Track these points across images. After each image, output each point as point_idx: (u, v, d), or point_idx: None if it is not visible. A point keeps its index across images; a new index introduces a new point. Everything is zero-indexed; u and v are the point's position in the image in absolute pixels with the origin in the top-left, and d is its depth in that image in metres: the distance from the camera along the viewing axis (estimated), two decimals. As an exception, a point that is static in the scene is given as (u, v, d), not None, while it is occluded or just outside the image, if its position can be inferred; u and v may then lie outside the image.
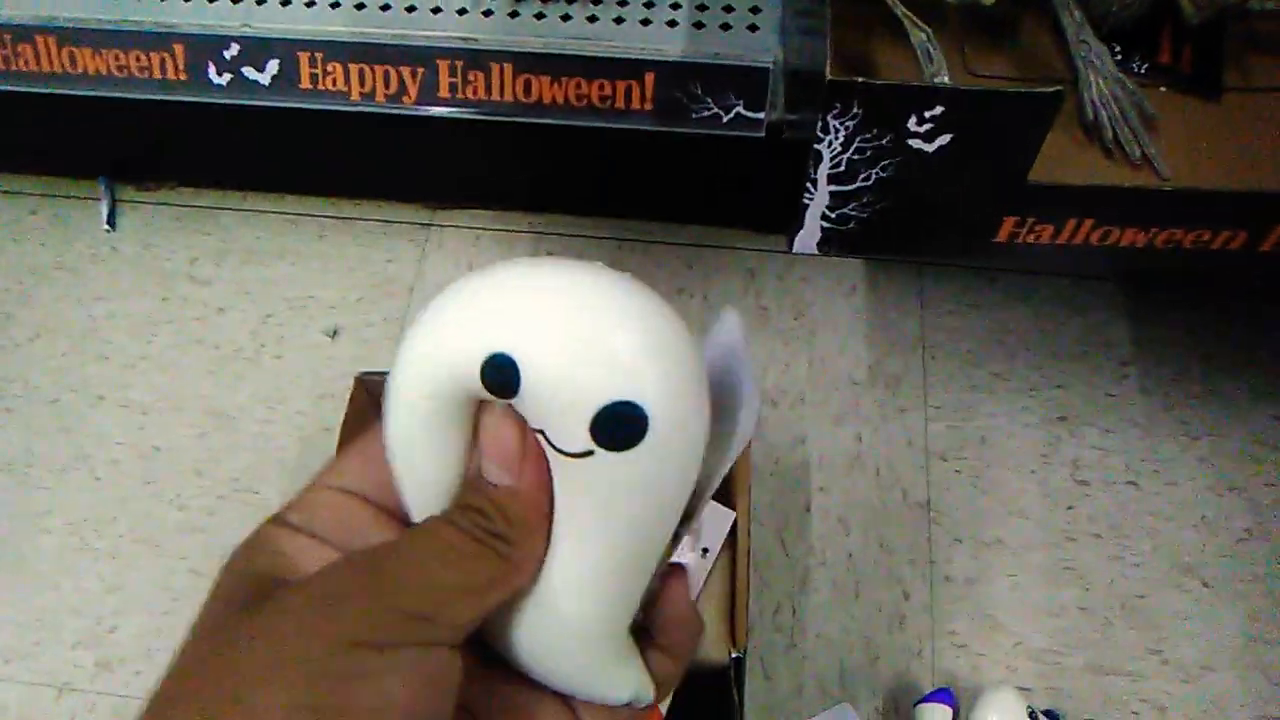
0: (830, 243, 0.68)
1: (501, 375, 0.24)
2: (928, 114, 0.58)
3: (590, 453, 0.24)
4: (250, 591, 0.26)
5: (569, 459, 0.25)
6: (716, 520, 0.81)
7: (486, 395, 0.25)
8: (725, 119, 0.87)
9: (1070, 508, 0.96)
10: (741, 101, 0.87)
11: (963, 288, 1.07)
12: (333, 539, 0.28)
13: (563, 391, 0.24)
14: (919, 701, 0.84)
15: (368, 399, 0.82)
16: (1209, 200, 0.65)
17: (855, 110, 0.59)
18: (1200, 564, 0.93)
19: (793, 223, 0.69)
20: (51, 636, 0.95)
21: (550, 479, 0.26)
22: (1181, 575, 0.92)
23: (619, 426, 0.24)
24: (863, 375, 1.03)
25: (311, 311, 1.12)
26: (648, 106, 0.89)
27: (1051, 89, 0.58)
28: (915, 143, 0.60)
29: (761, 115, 0.87)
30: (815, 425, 1.01)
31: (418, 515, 0.28)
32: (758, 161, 0.95)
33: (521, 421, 0.26)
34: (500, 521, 0.26)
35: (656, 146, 0.98)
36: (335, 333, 1.10)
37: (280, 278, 1.14)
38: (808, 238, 0.68)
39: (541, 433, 0.25)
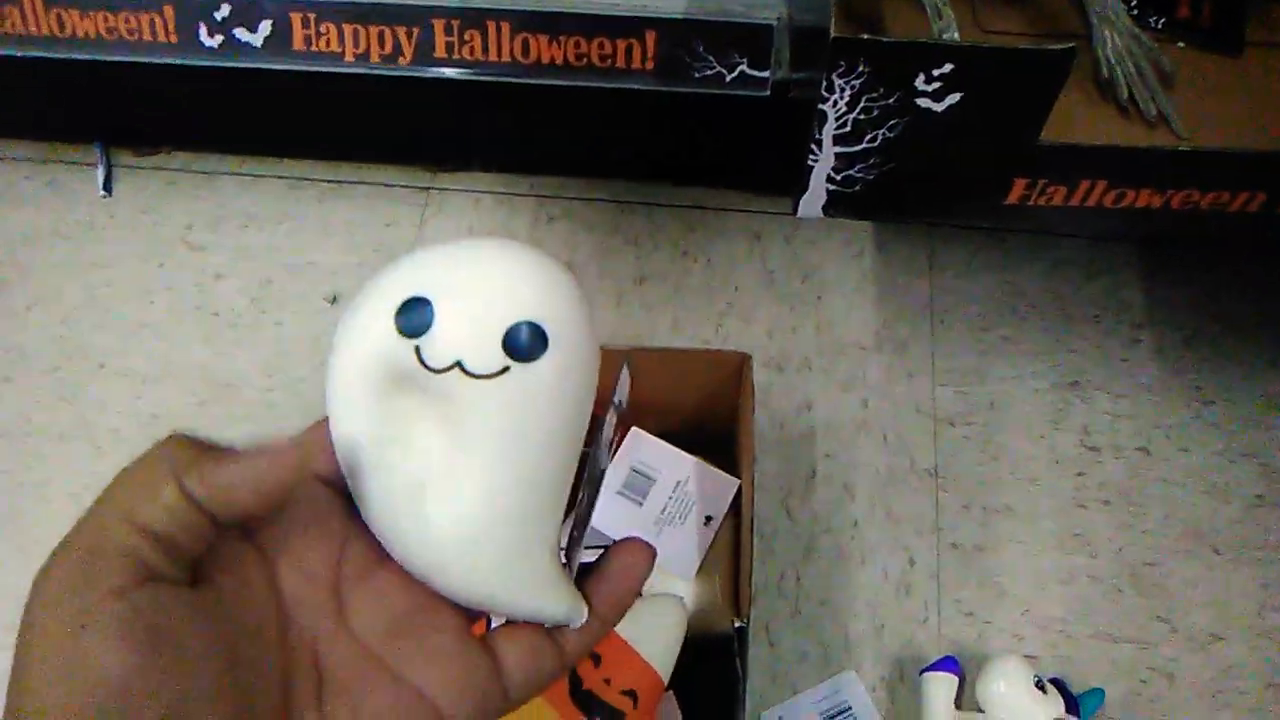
0: (836, 206, 0.66)
1: (418, 315, 0.28)
2: (936, 72, 0.56)
3: (505, 369, 0.28)
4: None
5: (485, 381, 0.28)
6: (720, 488, 0.80)
7: (407, 361, 0.29)
8: (729, 78, 0.85)
9: (1080, 474, 0.94)
10: (745, 60, 0.84)
11: (973, 250, 1.05)
12: None
13: (477, 318, 0.28)
14: (925, 670, 0.83)
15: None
16: (1227, 161, 0.63)
17: (861, 69, 0.56)
18: (1211, 531, 0.92)
19: (798, 185, 0.67)
20: (54, 605, 0.95)
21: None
22: (1192, 542, 0.91)
23: (527, 340, 0.28)
24: (870, 340, 1.02)
25: (311, 277, 1.10)
26: (649, 66, 0.86)
27: (1063, 46, 0.55)
28: (924, 102, 0.58)
29: (766, 74, 0.85)
30: (821, 391, 0.99)
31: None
32: (762, 122, 0.93)
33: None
34: None
35: (658, 107, 0.96)
36: (335, 298, 1.08)
37: (279, 243, 1.13)
38: (812, 201, 0.66)
39: (458, 365, 0.28)
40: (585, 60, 0.87)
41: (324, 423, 0.32)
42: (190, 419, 1.03)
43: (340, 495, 0.32)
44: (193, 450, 0.29)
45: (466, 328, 0.28)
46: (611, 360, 0.34)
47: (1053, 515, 0.92)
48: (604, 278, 1.06)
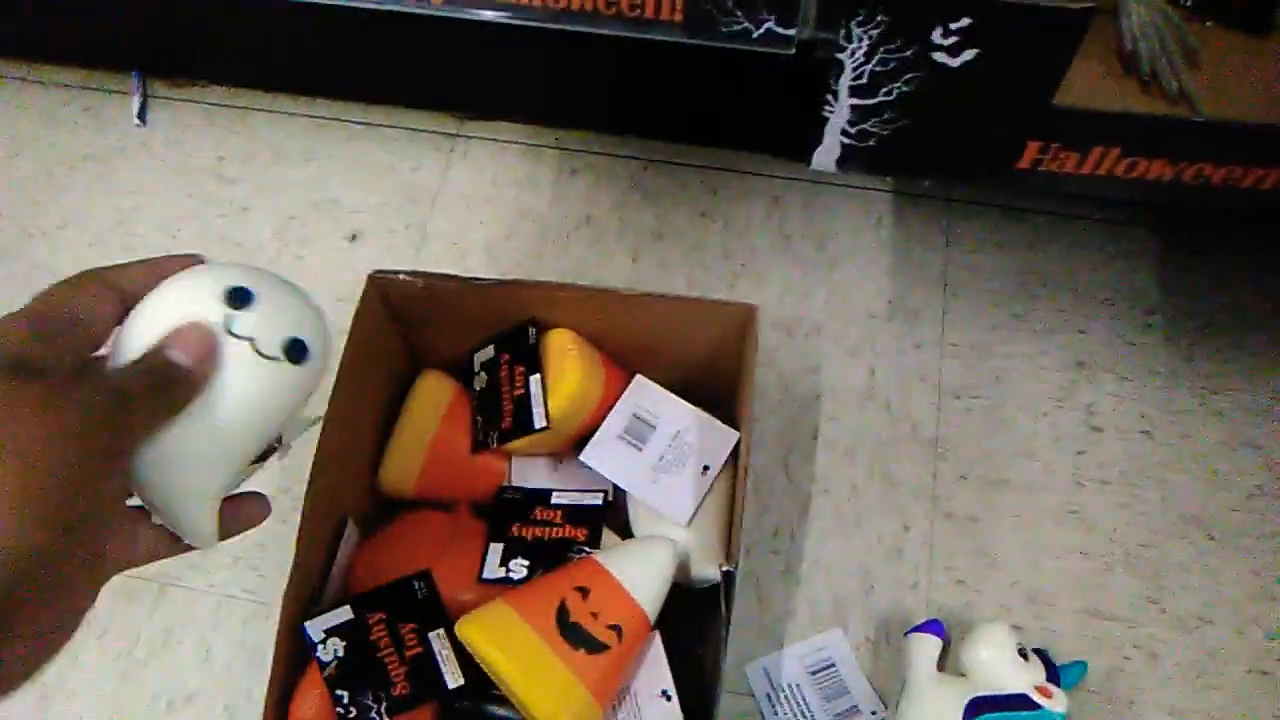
0: (850, 160, 0.67)
1: (242, 295, 0.40)
2: (953, 26, 0.57)
3: (276, 359, 0.41)
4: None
5: (262, 359, 0.40)
6: (719, 439, 0.81)
7: (217, 321, 0.40)
8: (755, 34, 0.85)
9: (1081, 453, 0.95)
10: (773, 17, 0.85)
11: (990, 226, 1.06)
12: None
13: (275, 320, 0.41)
14: (910, 631, 0.84)
15: (379, 297, 0.83)
16: (1241, 134, 0.63)
17: (879, 17, 0.57)
18: (1208, 517, 0.92)
19: (812, 137, 0.68)
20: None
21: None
22: (1188, 527, 0.92)
23: (300, 351, 0.41)
24: (881, 309, 1.02)
25: (334, 215, 1.12)
26: (678, 17, 0.87)
27: (1081, 6, 0.56)
28: (940, 56, 0.59)
29: (792, 32, 0.85)
30: (829, 356, 1.00)
31: None
32: (787, 83, 0.93)
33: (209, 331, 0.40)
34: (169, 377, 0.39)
35: (686, 63, 0.97)
36: (355, 237, 1.10)
37: (305, 180, 1.15)
38: (826, 154, 0.67)
39: (250, 341, 0.40)
40: (615, 8, 0.87)
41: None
42: (208, 345, 1.05)
43: None
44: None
45: (266, 324, 0.41)
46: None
47: (1050, 491, 0.93)
48: (622, 232, 1.08)
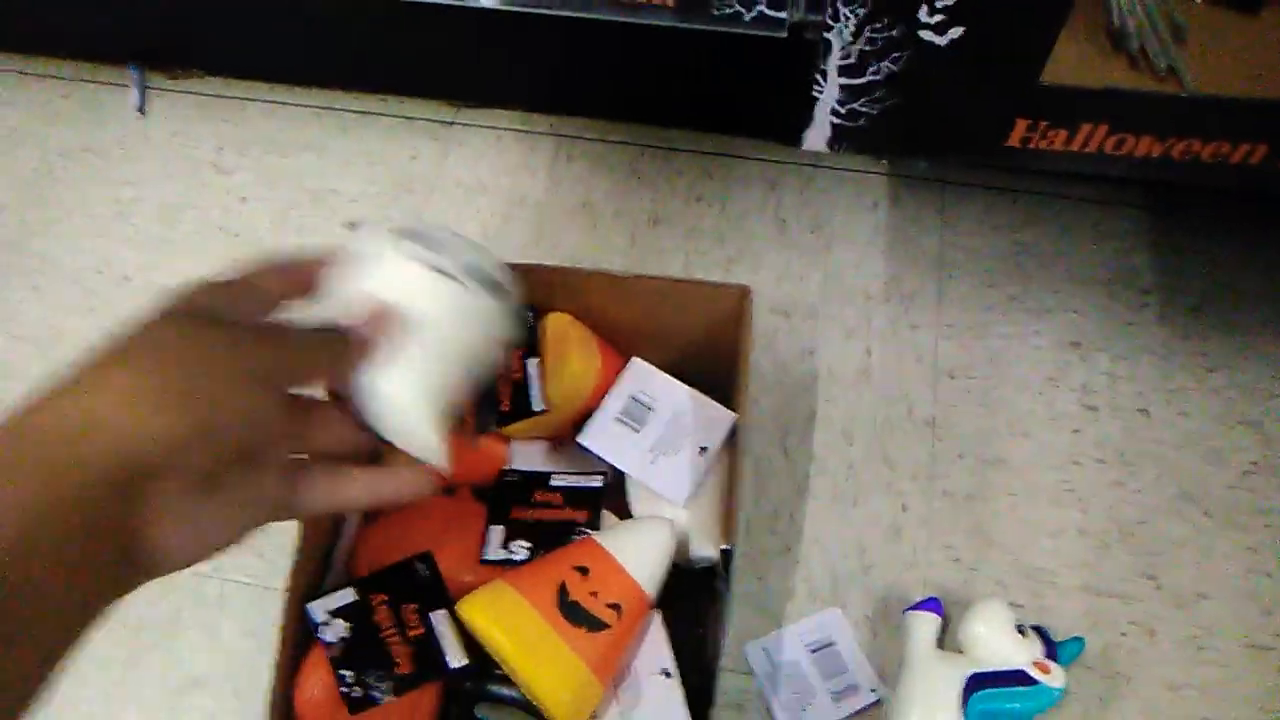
0: (841, 140, 0.67)
1: (429, 239, 0.51)
2: (940, 4, 0.57)
3: (462, 283, 0.50)
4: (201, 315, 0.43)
5: (446, 279, 0.50)
6: (717, 420, 0.82)
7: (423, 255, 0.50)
8: (747, 17, 0.86)
9: (1076, 431, 0.95)
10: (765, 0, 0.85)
11: (985, 208, 1.06)
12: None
13: (461, 255, 0.51)
14: (909, 609, 0.85)
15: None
16: (1229, 109, 0.64)
17: (866, -4, 0.58)
18: (1204, 494, 0.92)
19: (803, 118, 0.68)
20: (71, 504, 0.98)
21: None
22: (1184, 504, 0.92)
23: (482, 277, 0.50)
24: (877, 291, 1.03)
25: (332, 204, 1.13)
26: (670, 1, 0.87)
27: (1068, -18, 0.56)
28: (927, 34, 0.59)
29: (784, 15, 0.85)
30: (826, 338, 1.01)
31: None
32: (780, 67, 0.94)
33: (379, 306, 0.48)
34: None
35: (679, 47, 0.97)
36: (353, 226, 1.11)
37: (303, 170, 1.15)
38: (817, 134, 0.67)
39: (441, 271, 0.50)
40: (607, -7, 0.88)
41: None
42: (209, 334, 1.05)
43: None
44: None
45: (457, 255, 0.50)
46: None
47: (1046, 470, 0.94)
48: (618, 218, 1.08)
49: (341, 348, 0.46)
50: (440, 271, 0.49)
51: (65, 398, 0.38)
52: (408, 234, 0.50)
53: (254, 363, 0.41)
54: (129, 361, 0.39)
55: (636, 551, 0.74)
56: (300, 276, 0.48)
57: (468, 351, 0.51)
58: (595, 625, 0.70)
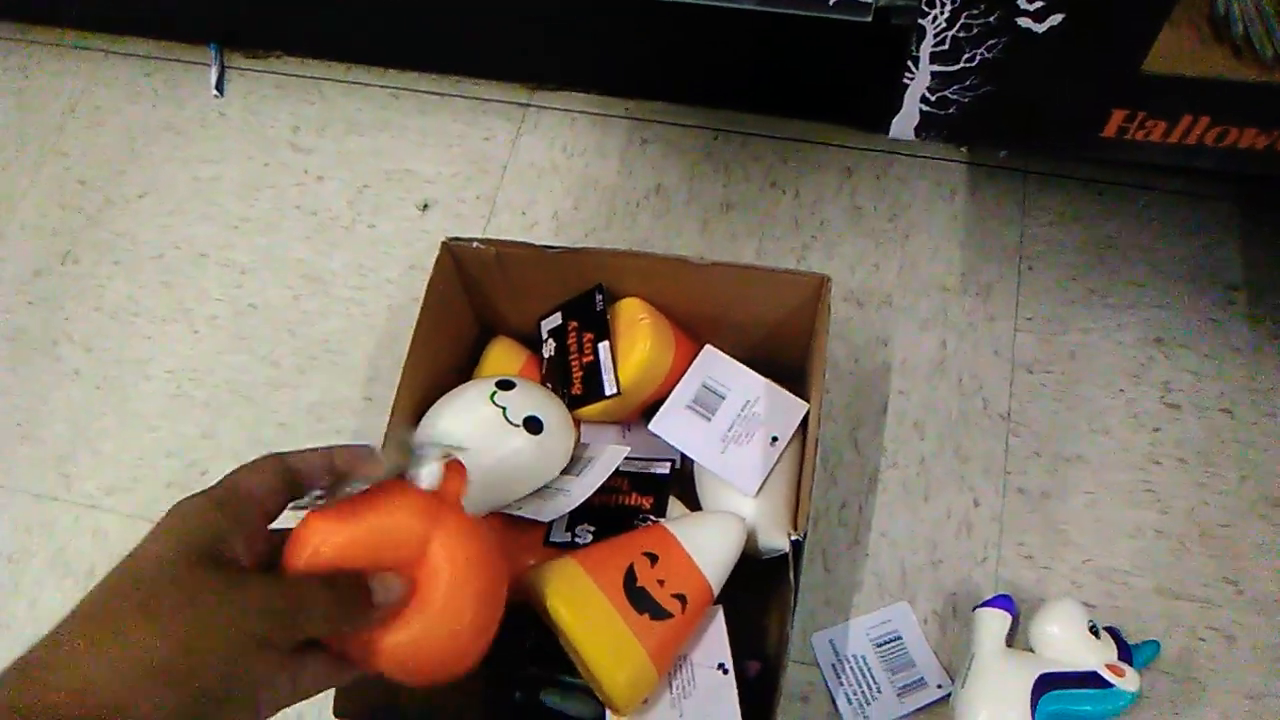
0: (928, 127, 0.66)
1: (504, 383, 0.77)
2: (1040, -11, 0.56)
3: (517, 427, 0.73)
4: (199, 552, 0.42)
5: (511, 426, 0.73)
6: (788, 409, 0.81)
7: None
8: (831, 1, 0.84)
9: (1157, 430, 0.93)
10: (849, -16, 0.84)
11: (1068, 199, 1.03)
12: (245, 528, 0.46)
13: (521, 402, 0.75)
14: (978, 606, 0.84)
15: (453, 264, 0.84)
16: (1341, 101, 0.61)
17: (964, -18, 0.56)
18: (1290, 498, 0.90)
19: (892, 104, 0.67)
20: (149, 474, 1.01)
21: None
22: (1269, 508, 0.89)
23: (535, 424, 0.73)
24: (954, 282, 1.01)
25: (407, 184, 1.13)
26: (752, -15, 0.86)
27: (1176, -33, 0.54)
28: (1025, 21, 0.58)
29: (869, -1, 0.84)
30: (900, 329, 0.99)
31: None
32: (862, 52, 0.92)
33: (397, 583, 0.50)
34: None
35: (759, 30, 0.96)
36: (426, 206, 1.11)
37: (379, 149, 1.16)
38: (905, 122, 0.66)
39: (503, 409, 0.73)
40: (688, -24, 0.87)
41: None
42: (284, 311, 1.07)
43: None
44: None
45: (517, 402, 0.74)
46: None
47: (1125, 469, 0.92)
48: (691, 203, 1.07)
49: (353, 606, 0.46)
50: (504, 414, 0.71)
51: (64, 669, 0.38)
52: (499, 382, 0.76)
53: (262, 626, 0.41)
54: (133, 623, 0.39)
55: (707, 545, 0.74)
56: (294, 477, 0.47)
57: (509, 478, 0.73)
58: (659, 614, 0.70)
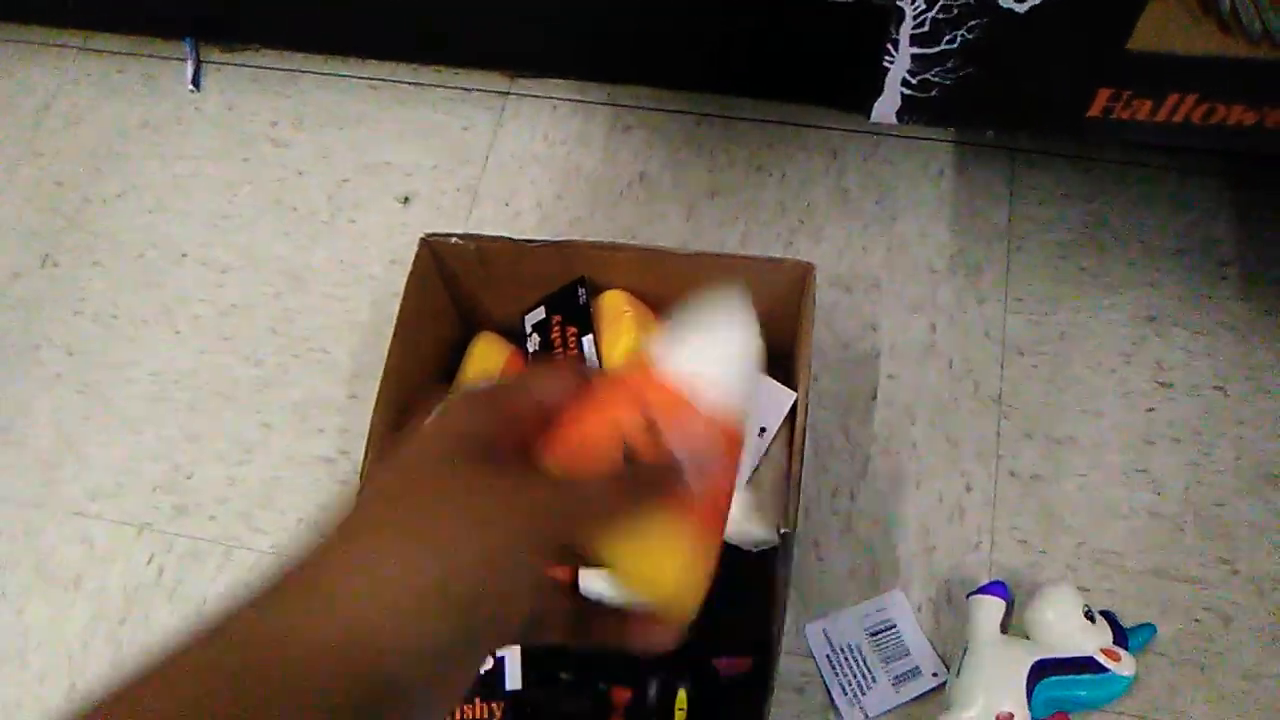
0: (910, 111, 0.65)
1: None
2: (1021, -32, 0.54)
3: None
4: (474, 450, 0.35)
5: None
6: (776, 399, 0.80)
7: None
8: (811, -17, 0.83)
9: (1150, 410, 0.92)
10: (829, -36, 0.82)
11: (1056, 177, 1.02)
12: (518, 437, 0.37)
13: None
14: (973, 593, 0.83)
15: (432, 260, 0.82)
16: (1329, 76, 0.60)
17: (941, -38, 0.55)
18: (1285, 475, 0.89)
19: (872, 88, 0.65)
20: (134, 479, 1.00)
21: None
22: (1264, 486, 0.89)
23: None
24: (943, 264, 1.00)
25: (387, 177, 1.12)
26: (730, -32, 0.85)
27: (1160, -58, 0.53)
28: (1006, 2, 0.56)
29: (849, -20, 0.82)
30: (889, 312, 0.98)
31: None
32: (845, 32, 0.91)
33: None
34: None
35: (741, 13, 0.95)
36: (408, 199, 1.10)
37: (358, 142, 1.14)
38: (886, 105, 0.65)
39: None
40: (665, -40, 0.85)
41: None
42: (266, 309, 1.06)
43: None
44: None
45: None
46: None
47: (1118, 449, 0.91)
48: (676, 189, 1.06)
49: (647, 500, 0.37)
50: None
51: (317, 598, 0.31)
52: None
53: (546, 525, 0.34)
54: (396, 536, 0.32)
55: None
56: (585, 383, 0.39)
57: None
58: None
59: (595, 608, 0.39)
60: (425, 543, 0.31)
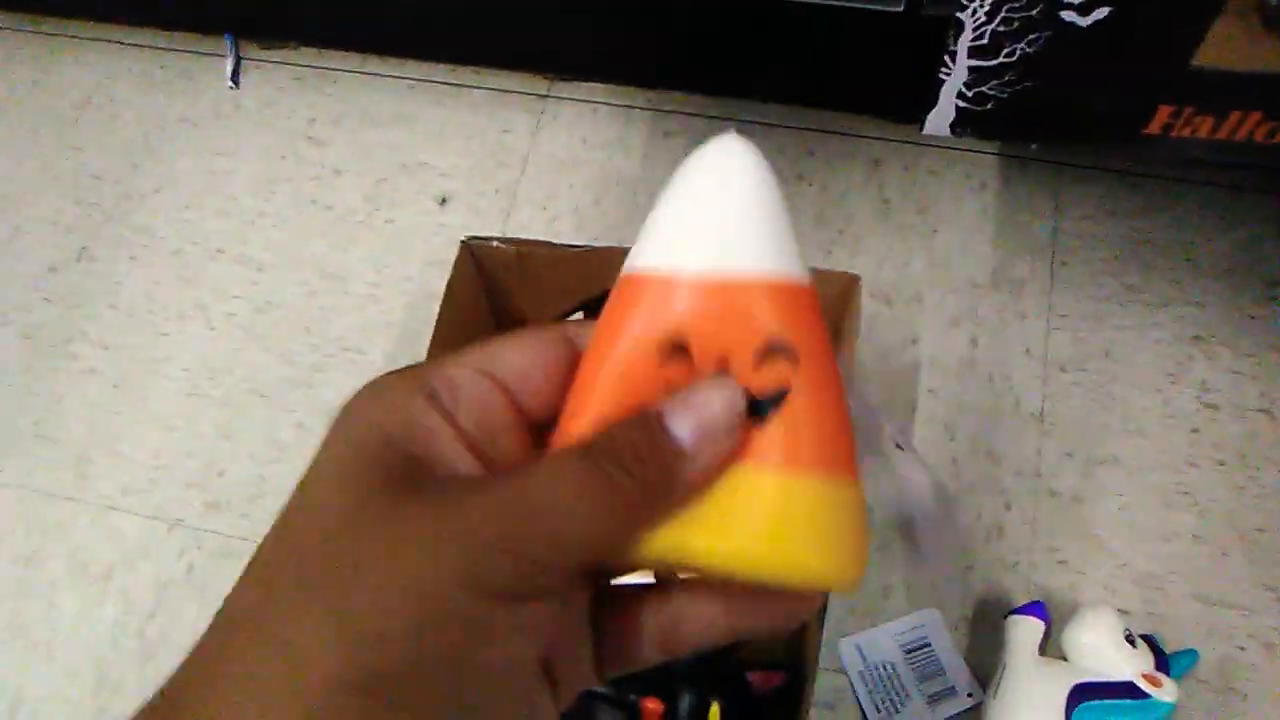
0: (964, 124, 0.64)
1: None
2: (1086, -18, 0.53)
3: None
4: (389, 467, 0.25)
5: None
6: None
7: None
8: (861, -9, 0.82)
9: (1195, 431, 0.90)
10: (880, -27, 0.81)
11: (1103, 192, 1.01)
12: (471, 432, 0.27)
13: None
14: (1011, 613, 0.82)
15: (472, 263, 0.82)
16: (1400, 97, 0.58)
17: (1005, -26, 0.54)
18: (1333, 501, 0.87)
19: (925, 105, 0.64)
20: (166, 475, 1.00)
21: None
22: (1310, 512, 0.87)
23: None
24: (985, 278, 0.98)
25: (424, 178, 1.11)
26: (779, -26, 0.84)
27: (1232, -42, 0.52)
28: (1068, 15, 0.55)
29: (900, -11, 0.81)
30: (929, 326, 0.97)
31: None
32: (892, 41, 0.90)
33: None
34: (653, 472, 0.25)
35: (786, 19, 0.94)
36: (445, 200, 1.09)
37: (396, 142, 1.14)
38: (940, 118, 0.64)
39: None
40: (713, -34, 0.85)
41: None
42: (301, 308, 1.06)
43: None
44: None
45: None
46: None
47: (1161, 471, 0.89)
48: (714, 197, 1.05)
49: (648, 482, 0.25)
50: None
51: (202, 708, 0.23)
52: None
53: (480, 565, 0.23)
54: (294, 616, 0.23)
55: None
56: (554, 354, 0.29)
57: None
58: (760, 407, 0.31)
59: (680, 607, 0.28)
60: (325, 616, 0.23)
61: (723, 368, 0.27)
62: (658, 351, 0.27)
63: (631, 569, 0.27)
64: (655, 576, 0.30)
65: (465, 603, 0.23)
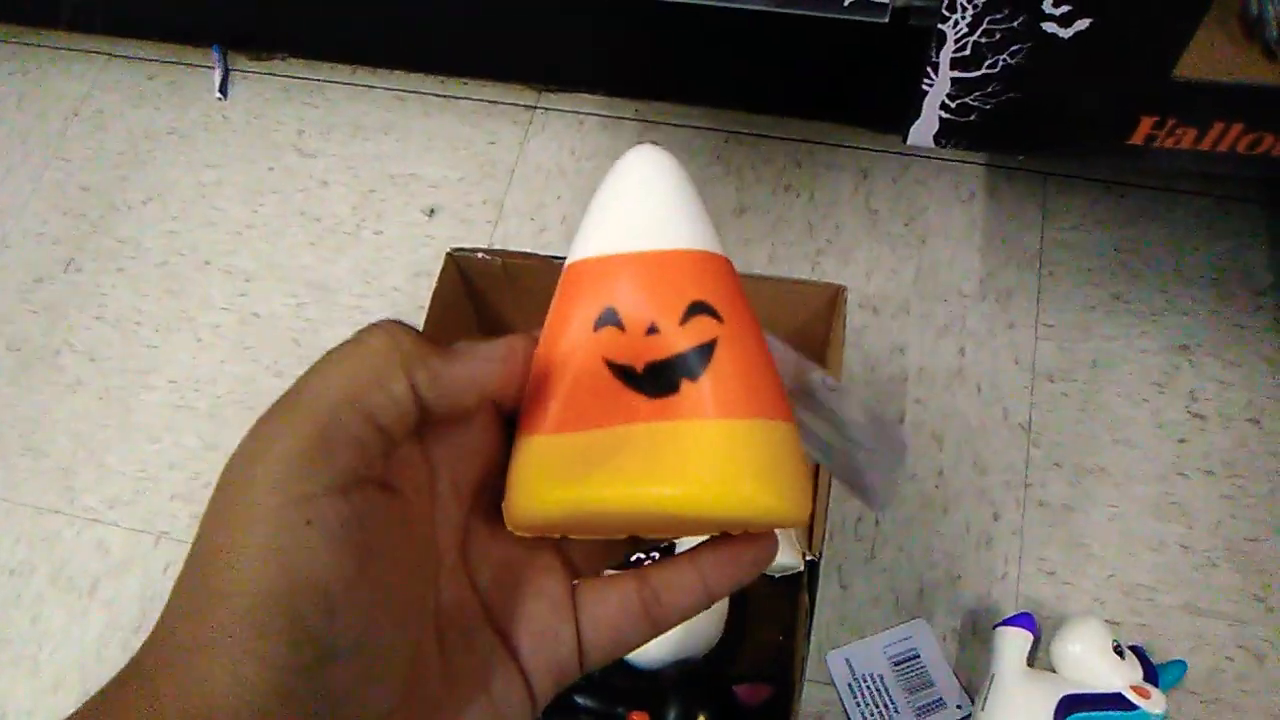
0: (948, 135, 0.64)
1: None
2: (1067, -7, 0.53)
3: None
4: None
5: None
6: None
7: None
8: (847, 2, 0.82)
9: (1182, 441, 0.90)
10: (865, -16, 0.81)
11: (1090, 202, 1.01)
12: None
13: None
14: (999, 624, 0.81)
15: (458, 275, 0.82)
16: (1381, 108, 0.58)
17: (986, -14, 0.54)
18: (1321, 511, 0.87)
19: (909, 116, 0.64)
20: (151, 487, 0.99)
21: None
22: (1298, 521, 0.87)
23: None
24: (973, 288, 0.98)
25: (412, 189, 1.11)
26: (764, -15, 0.84)
27: (1211, -31, 0.52)
28: (1050, 26, 0.55)
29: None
30: (917, 336, 0.97)
31: None
32: (878, 53, 0.90)
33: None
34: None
35: (773, 31, 0.94)
36: (433, 211, 1.09)
37: (384, 154, 1.14)
38: (924, 129, 0.64)
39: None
40: (699, -23, 0.85)
41: (523, 339, 0.31)
42: (288, 319, 1.05)
43: (501, 421, 0.31)
44: (417, 343, 0.27)
45: None
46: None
47: (1149, 481, 0.89)
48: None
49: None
50: None
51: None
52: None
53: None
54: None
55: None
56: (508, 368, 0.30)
57: None
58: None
59: (659, 579, 0.30)
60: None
61: (653, 332, 0.30)
62: (594, 327, 0.30)
63: (603, 534, 0.31)
64: (632, 542, 0.32)
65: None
